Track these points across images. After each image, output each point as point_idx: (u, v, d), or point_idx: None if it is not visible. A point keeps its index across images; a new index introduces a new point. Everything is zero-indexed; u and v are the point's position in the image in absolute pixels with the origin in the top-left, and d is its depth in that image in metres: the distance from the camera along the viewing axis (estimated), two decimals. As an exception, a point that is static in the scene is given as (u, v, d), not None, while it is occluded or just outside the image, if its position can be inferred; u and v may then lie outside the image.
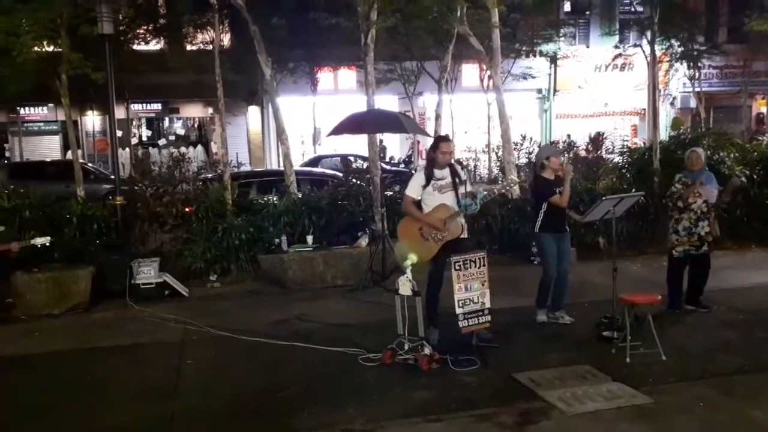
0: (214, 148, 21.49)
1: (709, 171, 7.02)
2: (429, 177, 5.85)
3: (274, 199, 9.62)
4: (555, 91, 23.78)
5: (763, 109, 26.57)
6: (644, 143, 13.10)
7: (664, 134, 13.17)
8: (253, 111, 22.03)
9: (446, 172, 5.90)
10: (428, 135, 11.49)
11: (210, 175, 11.63)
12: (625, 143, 13.76)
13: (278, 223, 9.10)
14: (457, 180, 5.90)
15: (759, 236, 10.71)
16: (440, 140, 6.01)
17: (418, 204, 5.92)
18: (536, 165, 6.70)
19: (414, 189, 5.92)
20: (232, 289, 8.57)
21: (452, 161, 6.04)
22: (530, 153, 15.24)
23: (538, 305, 6.61)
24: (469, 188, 5.95)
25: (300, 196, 9.90)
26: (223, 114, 10.10)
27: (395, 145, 22.74)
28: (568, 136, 17.45)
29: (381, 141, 21.57)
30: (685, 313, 6.81)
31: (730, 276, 8.01)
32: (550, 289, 6.55)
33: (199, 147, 21.58)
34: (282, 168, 10.80)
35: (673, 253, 6.85)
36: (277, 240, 8.74)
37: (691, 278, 6.89)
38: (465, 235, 5.95)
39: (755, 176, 10.71)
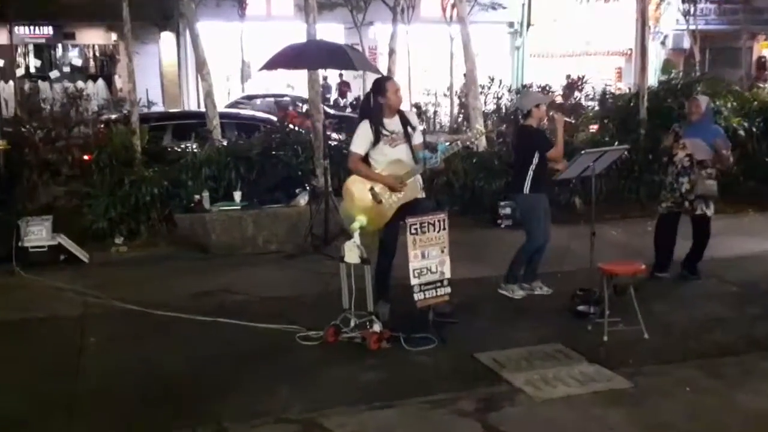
0: (118, 83, 20.97)
1: (717, 126, 7.22)
2: (378, 129, 5.80)
3: (194, 146, 9.47)
4: (529, 24, 23.90)
5: (765, 52, 27.33)
6: (630, 89, 13.30)
7: (653, 79, 13.39)
8: (167, 38, 21.48)
9: (396, 120, 5.87)
10: (380, 73, 11.41)
11: (114, 116, 11.39)
12: (608, 89, 13.95)
13: (199, 176, 9.01)
14: (409, 129, 5.89)
15: (756, 197, 11.11)
16: (384, 81, 5.97)
17: (365, 161, 5.90)
18: (520, 112, 6.75)
19: (360, 144, 5.87)
20: (142, 254, 8.49)
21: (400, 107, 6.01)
22: (499, 98, 15.33)
23: (511, 279, 6.70)
24: (422, 138, 5.96)
25: (225, 143, 9.78)
26: (130, 41, 9.82)
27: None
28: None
29: (325, 78, 21.44)
30: (672, 285, 7.04)
31: (723, 243, 8.29)
32: (526, 260, 6.66)
33: (100, 81, 20.97)
34: (203, 109, 10.62)
35: (658, 209, 7.25)
36: (197, 196, 8.64)
37: (693, 240, 7.21)
38: (423, 194, 5.97)
39: (754, 129, 11.05)
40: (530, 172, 6.50)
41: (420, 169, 5.82)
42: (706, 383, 4.86)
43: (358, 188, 5.87)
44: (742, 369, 5.10)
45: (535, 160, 6.49)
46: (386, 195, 5.81)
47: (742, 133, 10.79)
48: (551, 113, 6.86)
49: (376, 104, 5.85)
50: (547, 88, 13.80)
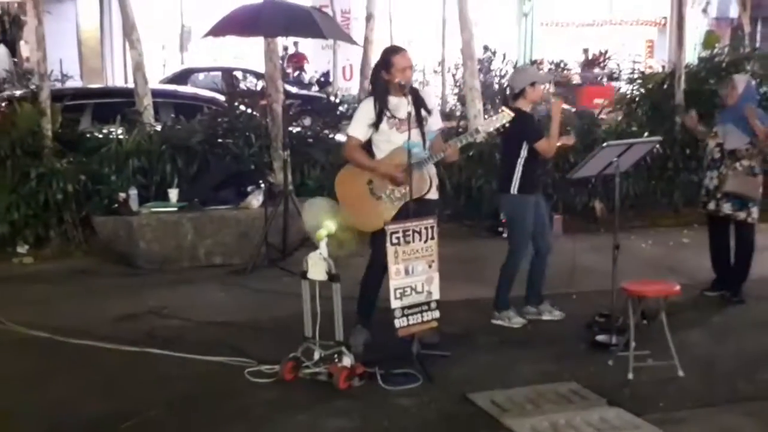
0: (24, 50, 20.75)
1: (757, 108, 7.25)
2: (382, 109, 5.85)
3: (119, 131, 9.43)
4: (540, -14, 24.02)
5: (830, 24, 27.60)
6: (664, 67, 13.42)
7: (692, 55, 13.52)
8: (87, -3, 21.36)
9: (405, 100, 5.88)
10: (354, 43, 11.44)
11: (18, 92, 11.26)
12: (637, 66, 14.06)
13: (125, 169, 9.00)
14: (423, 112, 5.91)
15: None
16: (391, 53, 5.95)
17: (366, 148, 5.93)
18: (511, 92, 6.77)
19: (359, 127, 5.90)
20: (51, 266, 8.46)
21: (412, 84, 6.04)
22: (502, 75, 15.41)
23: (501, 304, 6.72)
24: (440, 124, 6.03)
25: (159, 128, 9.73)
26: (41, 0, 9.76)
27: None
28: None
29: (286, 49, 21.40)
30: (714, 310, 7.13)
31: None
32: (515, 278, 6.70)
33: (2, 48, 20.79)
34: (131, 85, 10.57)
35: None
36: (122, 195, 8.61)
37: (735, 253, 7.36)
38: (435, 195, 6.00)
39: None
40: (518, 167, 6.54)
41: (431, 158, 5.82)
42: (755, 432, 4.90)
43: (352, 183, 5.91)
44: (799, 415, 5.15)
45: (524, 153, 6.52)
46: (387, 190, 5.84)
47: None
48: (551, 97, 6.89)
49: (380, 79, 5.91)
50: (562, 65, 13.89)
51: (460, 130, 9.93)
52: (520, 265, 6.67)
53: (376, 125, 5.86)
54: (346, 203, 5.91)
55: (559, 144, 6.74)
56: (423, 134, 5.88)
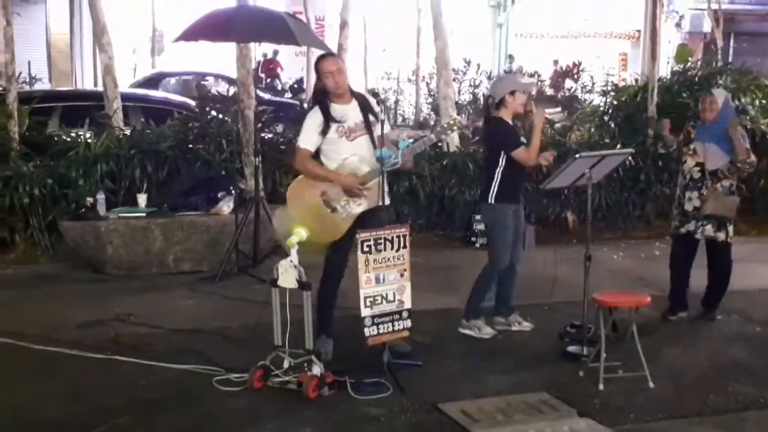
0: (-7, 53, 20.60)
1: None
2: (327, 116, 5.82)
3: (88, 135, 9.37)
4: (515, -4, 24.16)
5: (801, 40, 27.97)
6: (637, 80, 13.53)
7: (665, 68, 13.64)
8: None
9: (353, 107, 5.89)
10: (328, 50, 11.41)
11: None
12: (610, 79, 14.17)
13: (93, 174, 8.95)
14: (371, 117, 5.90)
15: (787, 217, 11.36)
16: (317, 61, 6.00)
17: (316, 158, 5.90)
18: (491, 101, 6.78)
19: (309, 137, 5.87)
20: (16, 272, 8.39)
21: (357, 90, 6.03)
22: (476, 85, 15.48)
23: (472, 313, 6.71)
24: (388, 129, 5.98)
25: (128, 132, 9.67)
26: (9, 0, 9.69)
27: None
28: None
29: (265, 55, 21.35)
30: (685, 322, 7.15)
31: (746, 273, 8.44)
32: (489, 288, 6.71)
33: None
34: (100, 88, 10.50)
35: (671, 229, 7.37)
36: (90, 199, 8.55)
37: (709, 272, 7.26)
38: (386, 201, 5.98)
39: (787, 133, 11.29)
40: (497, 177, 6.55)
41: (394, 165, 5.80)
42: (725, 445, 4.94)
43: (305, 194, 5.86)
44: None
45: (502, 162, 6.52)
46: (342, 201, 5.81)
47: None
48: (532, 107, 6.88)
49: (317, 88, 5.95)
50: (536, 75, 13.98)
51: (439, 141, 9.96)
52: (499, 273, 6.67)
53: (324, 132, 5.82)
54: (300, 217, 5.77)
55: (541, 162, 6.74)
56: (373, 141, 5.86)
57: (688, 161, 7.06)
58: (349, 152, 5.83)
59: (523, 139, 6.63)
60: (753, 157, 6.99)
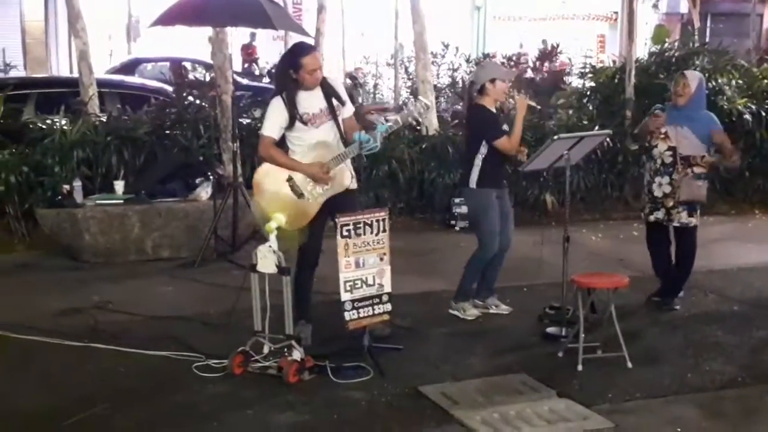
0: (-34, 40, 20.40)
1: (709, 112, 7.09)
2: (293, 106, 5.78)
3: (64, 122, 9.31)
4: (493, -21, 24.14)
5: (778, 20, 28.10)
6: (614, 61, 13.57)
7: (642, 50, 13.66)
8: (33, -15, 21.04)
9: (317, 93, 5.85)
10: (306, 34, 11.38)
11: (-41, 82, 11.09)
12: (588, 61, 14.18)
13: (69, 161, 8.89)
14: (335, 102, 5.88)
15: (764, 197, 11.44)
16: (300, 54, 5.83)
17: (281, 145, 5.87)
18: (473, 88, 6.77)
19: (272, 125, 5.84)
20: (-7, 260, 8.32)
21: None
22: (455, 69, 15.46)
23: (461, 296, 6.75)
24: (352, 112, 6.00)
25: (105, 118, 9.61)
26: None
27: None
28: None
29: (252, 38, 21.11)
30: (661, 303, 7.17)
31: (724, 252, 8.54)
32: (479, 272, 6.73)
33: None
34: (76, 75, 10.42)
35: (642, 215, 7.28)
36: (67, 186, 8.50)
37: (675, 256, 7.18)
38: (354, 185, 5.98)
39: (763, 113, 11.37)
40: (478, 162, 6.56)
41: (352, 152, 5.80)
42: (702, 423, 4.96)
43: (272, 180, 5.84)
44: (745, 406, 5.22)
45: (483, 150, 6.54)
46: (308, 187, 5.79)
47: (748, 117, 11.11)
48: (514, 94, 6.86)
49: (288, 78, 5.81)
50: (515, 58, 13.96)
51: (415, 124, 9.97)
52: (490, 256, 6.66)
53: (290, 126, 5.79)
54: (268, 204, 5.77)
55: (518, 98, 6.69)
56: (338, 125, 5.85)
57: (660, 145, 6.88)
58: (314, 138, 5.81)
59: (505, 127, 6.63)
60: (739, 156, 7.01)
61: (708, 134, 6.84)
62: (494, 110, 6.64)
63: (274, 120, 5.83)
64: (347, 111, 5.99)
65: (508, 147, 6.51)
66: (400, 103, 17.12)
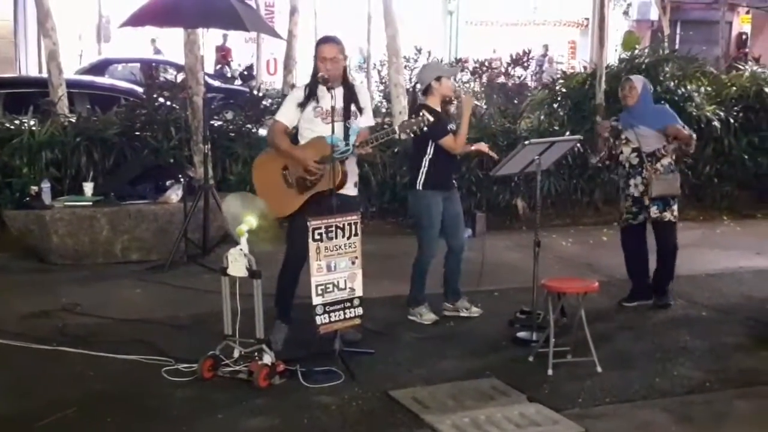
0: (-65, 39, 20.16)
1: (659, 105, 7.41)
2: (309, 95, 5.86)
3: (32, 122, 9.24)
4: (465, -16, 24.21)
5: (747, 28, 28.46)
6: (585, 67, 13.64)
7: (613, 56, 13.76)
8: (1, -16, 20.83)
9: (338, 93, 5.85)
10: (278, 36, 11.37)
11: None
12: (559, 66, 14.28)
13: (37, 162, 8.84)
14: (353, 107, 5.91)
15: (732, 203, 11.56)
16: (318, 42, 6.01)
17: (292, 136, 5.96)
18: (419, 87, 6.81)
19: (286, 111, 5.95)
20: (-42, 262, 8.25)
21: (349, 78, 6.04)
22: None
23: (413, 301, 6.76)
24: (370, 123, 6.06)
25: (74, 119, 9.54)
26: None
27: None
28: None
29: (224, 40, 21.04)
30: (632, 308, 7.23)
31: (692, 258, 8.59)
32: (426, 275, 6.74)
33: None
34: (45, 75, 10.34)
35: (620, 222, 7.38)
36: (34, 188, 8.43)
37: (657, 255, 7.31)
38: (352, 191, 5.98)
39: (732, 120, 11.50)
40: (424, 163, 6.57)
41: (344, 154, 5.76)
42: (671, 428, 4.98)
43: (268, 167, 5.93)
44: (713, 410, 5.26)
45: (430, 150, 6.55)
46: (296, 174, 5.81)
47: (716, 124, 11.23)
48: (461, 92, 6.92)
49: (314, 66, 5.92)
50: (487, 63, 13.99)
51: (385, 126, 9.97)
52: (431, 260, 6.70)
53: (302, 106, 5.86)
54: (259, 187, 5.98)
55: (473, 148, 6.80)
56: (346, 129, 5.86)
57: (624, 150, 7.12)
58: (322, 133, 5.79)
59: (452, 126, 6.64)
60: (694, 137, 7.19)
61: (663, 127, 7.04)
62: (439, 110, 6.63)
63: (289, 104, 5.98)
64: (364, 121, 6.00)
65: (453, 145, 6.55)
66: (373, 107, 17.14)
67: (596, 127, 7.17)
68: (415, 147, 6.74)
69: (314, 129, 5.85)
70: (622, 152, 7.14)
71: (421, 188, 6.60)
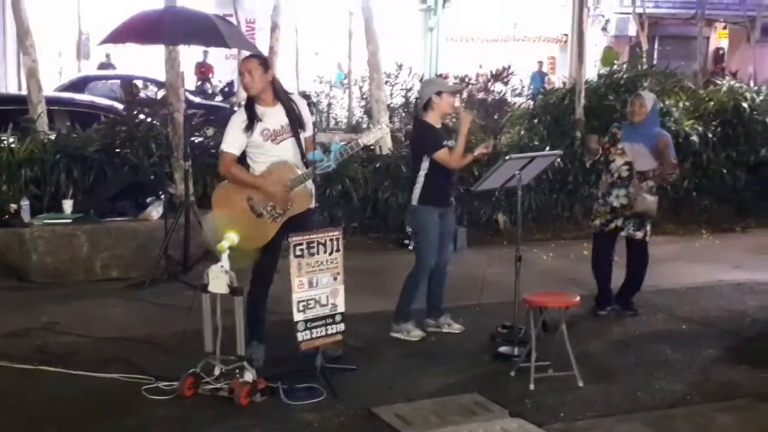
0: None
1: (663, 130, 7.52)
2: (252, 118, 5.75)
3: (11, 139, 9.18)
4: (445, 1, 24.31)
5: (724, 43, 28.72)
6: (564, 83, 13.74)
7: (591, 71, 13.85)
8: (-20, 1, 20.78)
9: (277, 110, 5.83)
10: (259, 52, 11.35)
11: None
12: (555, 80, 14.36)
13: (16, 179, 8.77)
14: (297, 121, 5.86)
15: (711, 217, 11.62)
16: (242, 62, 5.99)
17: (242, 162, 5.83)
18: (419, 104, 6.80)
19: (233, 141, 5.78)
20: (-62, 280, 8.15)
21: (288, 92, 6.00)
22: (408, 89, 15.52)
23: (401, 317, 6.72)
24: (312, 131, 6.00)
25: (54, 137, 9.49)
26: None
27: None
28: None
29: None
30: (613, 321, 7.27)
31: (672, 271, 8.63)
32: (417, 291, 6.73)
33: None
34: (24, 92, 10.29)
35: (590, 225, 7.55)
36: (13, 205, 8.38)
37: (627, 268, 7.44)
38: (312, 204, 5.96)
39: (710, 135, 11.59)
40: (420, 179, 6.57)
41: (309, 174, 5.78)
42: (653, 441, 5.01)
43: (230, 200, 5.80)
44: (695, 424, 5.28)
45: (425, 165, 6.55)
46: (268, 206, 5.74)
47: (695, 139, 11.31)
48: (460, 108, 6.93)
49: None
50: (466, 79, 14.06)
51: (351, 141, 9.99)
52: (427, 274, 6.69)
53: (248, 129, 5.71)
54: (226, 222, 5.66)
55: (477, 152, 6.77)
56: (300, 144, 5.82)
57: (617, 160, 7.19)
58: (275, 155, 5.75)
59: (450, 142, 6.64)
60: (677, 169, 7.38)
61: (656, 140, 7.15)
62: (438, 125, 6.64)
63: (233, 132, 5.78)
64: (309, 130, 5.97)
65: (448, 160, 6.52)
66: (354, 123, 17.20)
67: (586, 138, 7.36)
68: (413, 162, 6.75)
69: (265, 151, 5.76)
70: (614, 161, 7.22)
71: (416, 203, 6.60)
